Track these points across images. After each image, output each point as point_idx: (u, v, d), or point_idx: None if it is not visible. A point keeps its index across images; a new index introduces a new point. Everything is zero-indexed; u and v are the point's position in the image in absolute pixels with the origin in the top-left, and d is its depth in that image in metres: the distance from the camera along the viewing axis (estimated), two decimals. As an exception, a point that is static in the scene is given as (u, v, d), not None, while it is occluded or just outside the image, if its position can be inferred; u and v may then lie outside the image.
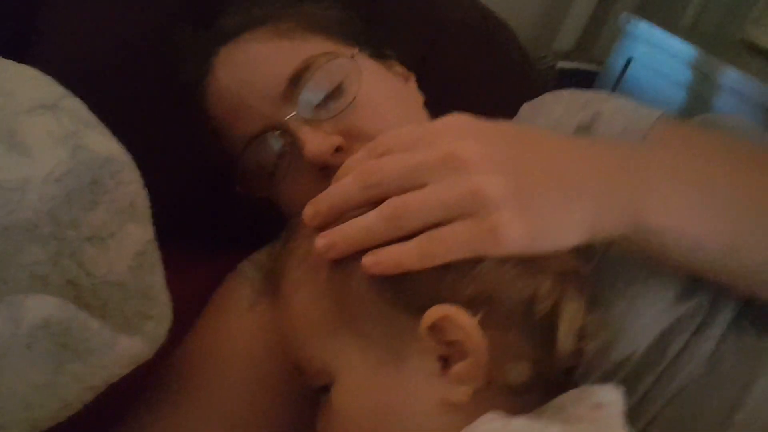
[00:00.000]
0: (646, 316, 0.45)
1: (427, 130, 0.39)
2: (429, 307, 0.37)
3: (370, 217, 0.37)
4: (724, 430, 0.41)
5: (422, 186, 0.36)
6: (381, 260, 0.36)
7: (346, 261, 0.39)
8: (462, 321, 0.36)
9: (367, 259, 0.37)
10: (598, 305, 0.42)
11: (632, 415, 0.41)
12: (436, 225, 0.36)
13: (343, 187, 0.39)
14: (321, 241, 0.38)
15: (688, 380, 0.44)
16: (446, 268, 0.37)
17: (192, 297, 0.56)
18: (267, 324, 0.50)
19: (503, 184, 0.35)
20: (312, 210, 0.40)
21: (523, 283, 0.38)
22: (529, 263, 0.38)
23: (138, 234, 0.41)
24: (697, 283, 0.46)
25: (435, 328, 0.37)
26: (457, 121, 0.39)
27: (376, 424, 0.38)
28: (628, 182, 0.39)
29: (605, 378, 0.44)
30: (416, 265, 0.36)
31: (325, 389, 0.41)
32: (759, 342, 0.44)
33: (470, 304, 0.37)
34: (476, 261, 0.37)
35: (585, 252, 0.43)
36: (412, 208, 0.36)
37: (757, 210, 0.42)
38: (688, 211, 0.40)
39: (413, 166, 0.37)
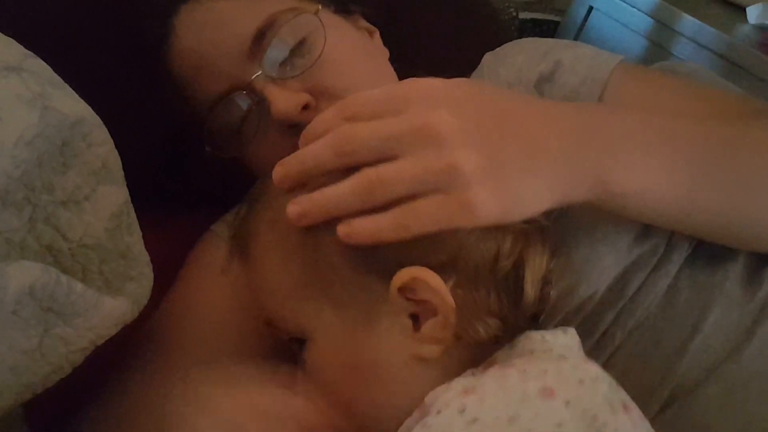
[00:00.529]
0: (605, 259, 0.47)
1: (398, 94, 0.39)
2: (397, 268, 0.38)
3: (344, 188, 0.37)
4: (679, 357, 0.44)
5: (396, 156, 0.37)
6: (355, 231, 0.37)
7: (318, 227, 0.40)
8: (431, 282, 0.38)
9: (342, 229, 0.37)
10: (560, 252, 0.44)
11: (595, 349, 0.44)
12: (409, 197, 0.37)
13: (315, 151, 0.39)
14: (293, 208, 0.38)
15: (646, 315, 0.46)
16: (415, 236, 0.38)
17: (166, 259, 0.57)
18: (240, 284, 0.51)
19: (477, 158, 0.36)
20: (282, 171, 0.40)
21: (487, 243, 0.39)
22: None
23: (113, 195, 0.41)
24: (654, 226, 0.48)
25: (405, 289, 0.38)
26: (428, 86, 0.39)
27: (350, 379, 0.40)
28: (593, 151, 0.40)
29: (568, 318, 0.46)
30: (391, 237, 0.37)
31: (299, 344, 0.43)
32: (712, 277, 0.47)
33: (439, 267, 0.38)
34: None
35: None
36: (386, 181, 0.36)
37: (713, 163, 0.44)
38: (650, 175, 0.41)
39: (387, 136, 0.37)
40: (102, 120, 0.41)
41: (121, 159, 0.43)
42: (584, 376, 0.34)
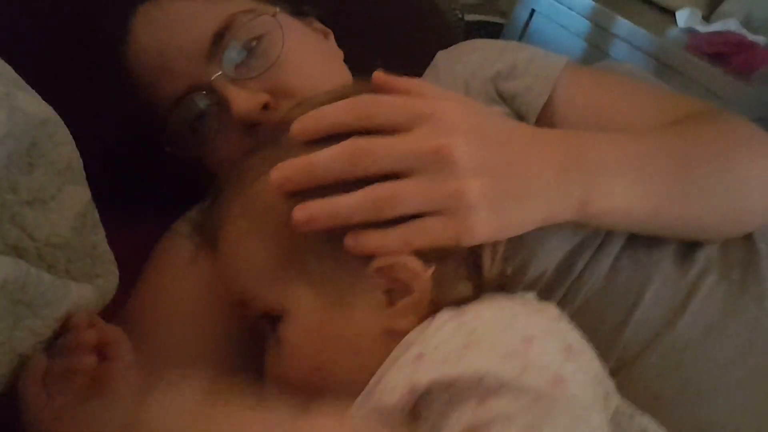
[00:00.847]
0: (552, 240, 0.51)
1: (416, 109, 0.41)
2: None
3: (356, 200, 0.39)
4: (622, 330, 0.48)
5: (408, 172, 0.39)
6: (361, 244, 0.39)
7: None
8: (410, 265, 0.40)
9: (350, 242, 0.39)
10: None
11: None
12: (417, 213, 0.39)
13: (327, 158, 0.39)
14: (300, 213, 0.39)
15: (591, 292, 0.50)
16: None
17: (127, 259, 0.57)
18: (208, 274, 0.52)
19: (481, 186, 0.40)
20: (287, 173, 0.40)
21: None
22: None
23: (78, 195, 0.41)
24: None
25: (382, 269, 0.40)
26: (446, 108, 0.42)
27: (326, 354, 0.42)
28: (577, 176, 0.44)
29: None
30: (395, 251, 0.40)
31: (271, 323, 0.44)
32: (649, 257, 0.51)
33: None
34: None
35: None
36: (398, 198, 0.39)
37: (676, 177, 0.49)
38: (623, 194, 0.46)
39: (404, 154, 0.39)
40: (63, 120, 0.41)
41: (83, 159, 0.43)
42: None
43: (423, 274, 0.40)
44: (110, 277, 0.43)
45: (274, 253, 0.42)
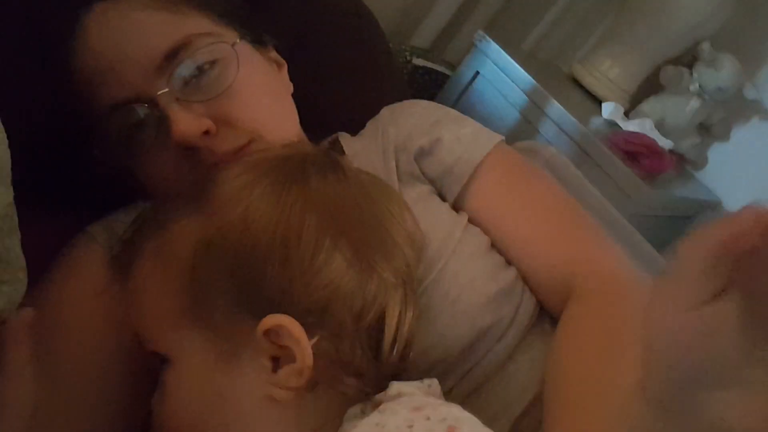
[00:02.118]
0: (462, 327, 0.53)
1: None
2: (267, 312, 0.41)
3: None
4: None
5: None
6: None
7: (208, 261, 0.42)
8: (293, 331, 0.41)
9: None
10: (424, 317, 0.50)
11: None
12: None
13: None
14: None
15: (484, 380, 0.53)
16: (291, 280, 0.41)
17: (34, 256, 0.55)
18: (114, 302, 0.51)
19: None
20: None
21: (354, 300, 0.43)
22: (364, 275, 0.44)
23: (1, 197, 0.39)
24: (504, 301, 0.56)
25: (270, 333, 0.41)
26: None
27: (203, 408, 0.42)
28: None
29: (420, 375, 0.52)
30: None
31: (161, 361, 0.44)
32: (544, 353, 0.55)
33: (307, 319, 0.42)
34: (317, 272, 0.42)
35: (427, 266, 0.51)
36: None
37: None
38: None
39: None
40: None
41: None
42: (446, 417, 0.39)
43: (305, 343, 0.41)
44: (18, 285, 0.41)
45: (176, 299, 0.43)
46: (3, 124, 0.42)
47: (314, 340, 0.41)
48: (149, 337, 0.45)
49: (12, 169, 0.43)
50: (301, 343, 0.41)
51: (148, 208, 0.48)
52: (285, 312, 0.41)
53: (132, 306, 0.46)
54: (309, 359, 0.41)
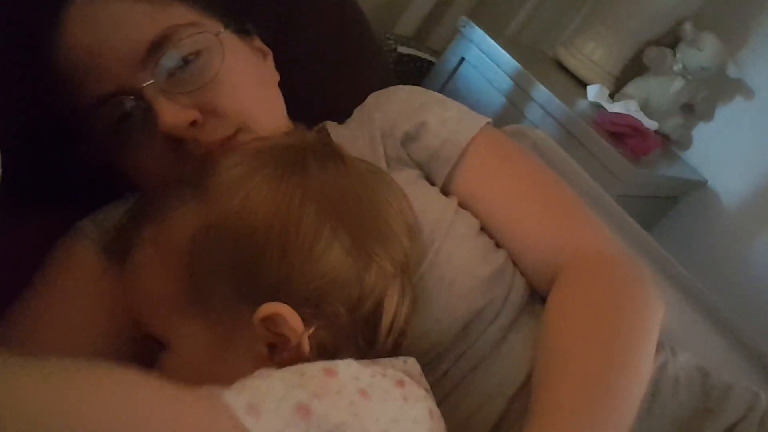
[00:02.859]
0: (459, 311, 0.53)
1: None
2: (267, 301, 0.41)
3: None
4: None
5: None
6: None
7: (207, 249, 0.42)
8: (290, 320, 0.41)
9: None
10: (420, 304, 0.50)
11: (435, 388, 0.51)
12: None
13: None
14: None
15: (479, 361, 0.54)
16: (290, 269, 0.42)
17: (22, 254, 0.54)
18: (110, 288, 0.51)
19: None
20: None
21: (351, 288, 0.44)
22: (362, 265, 0.44)
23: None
24: (496, 282, 0.56)
25: (267, 321, 0.41)
26: None
27: None
28: None
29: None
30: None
31: (157, 346, 0.44)
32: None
33: (303, 303, 0.42)
34: (315, 261, 0.42)
35: (418, 253, 0.51)
36: None
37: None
38: None
39: None
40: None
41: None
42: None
43: (301, 332, 0.41)
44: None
45: (174, 286, 0.43)
46: None
47: (311, 330, 0.42)
48: (146, 322, 0.45)
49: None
50: (298, 332, 0.41)
51: (144, 196, 0.48)
52: (283, 300, 0.42)
53: (129, 291, 0.46)
54: (305, 348, 0.41)
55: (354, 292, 0.44)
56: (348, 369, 0.38)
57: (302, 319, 0.42)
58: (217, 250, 0.43)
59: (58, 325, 0.51)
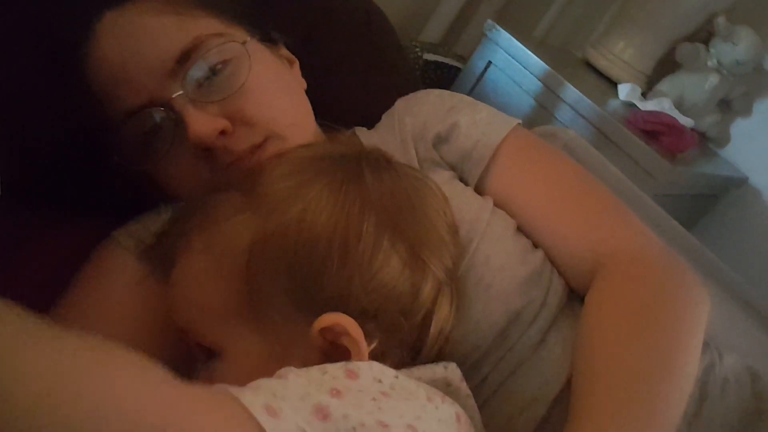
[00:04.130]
0: (496, 314, 0.52)
1: None
2: (324, 311, 0.41)
3: None
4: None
5: None
6: None
7: (264, 260, 0.42)
8: (351, 330, 0.41)
9: None
10: (460, 306, 0.49)
11: (475, 392, 0.50)
12: None
13: None
14: None
15: (518, 364, 0.52)
16: (350, 280, 0.41)
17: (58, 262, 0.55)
18: (153, 298, 0.51)
19: None
20: None
21: (408, 297, 0.44)
22: (419, 275, 0.44)
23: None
24: (534, 284, 0.55)
25: (326, 331, 0.41)
26: None
27: None
28: None
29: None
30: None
31: (206, 354, 0.44)
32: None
33: (362, 314, 0.42)
34: (376, 272, 0.42)
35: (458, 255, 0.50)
36: None
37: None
38: None
39: None
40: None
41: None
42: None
43: (362, 342, 0.41)
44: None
45: (230, 295, 0.43)
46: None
47: (374, 345, 0.42)
48: (198, 331, 0.45)
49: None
50: (359, 341, 0.41)
51: (187, 204, 0.48)
52: (341, 311, 0.42)
53: (176, 299, 0.46)
54: (365, 357, 0.41)
55: (409, 302, 0.44)
56: (370, 370, 0.37)
57: (363, 330, 0.42)
58: (275, 260, 0.42)
59: (96, 328, 0.52)
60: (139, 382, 0.29)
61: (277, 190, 0.45)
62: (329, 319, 0.41)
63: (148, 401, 0.29)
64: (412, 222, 0.46)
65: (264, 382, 0.35)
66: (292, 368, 0.36)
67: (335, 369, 0.37)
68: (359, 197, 0.45)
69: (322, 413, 0.33)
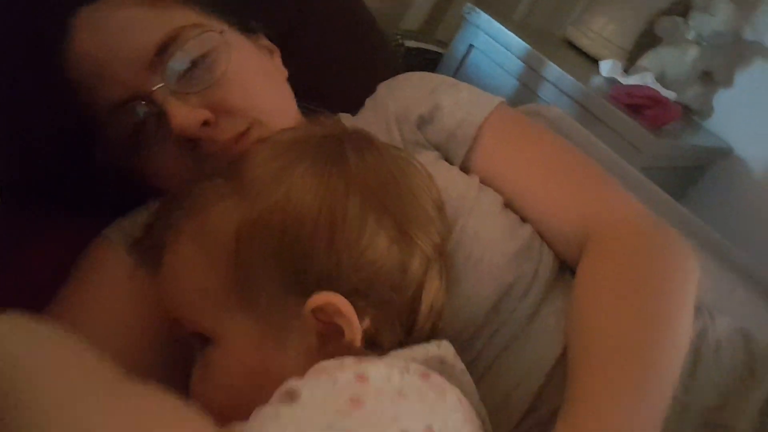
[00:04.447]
0: (488, 289, 0.53)
1: None
2: (314, 292, 0.41)
3: None
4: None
5: None
6: None
7: (251, 245, 0.42)
8: (343, 308, 0.41)
9: None
10: (451, 283, 0.49)
11: (469, 368, 0.50)
12: None
13: None
14: None
15: (512, 338, 0.53)
16: (339, 259, 0.42)
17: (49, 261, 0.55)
18: (145, 290, 0.51)
19: None
20: None
21: (397, 273, 0.44)
22: (406, 251, 0.44)
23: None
24: (524, 258, 0.55)
25: (318, 311, 0.41)
26: None
27: (251, 384, 0.42)
28: None
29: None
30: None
31: (201, 342, 0.44)
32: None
33: (353, 293, 0.42)
34: (363, 250, 0.42)
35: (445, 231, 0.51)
36: None
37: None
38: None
39: None
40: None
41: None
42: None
43: (354, 319, 0.41)
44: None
45: (221, 281, 0.43)
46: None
47: (366, 323, 0.42)
48: (191, 318, 0.45)
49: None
50: (351, 319, 0.41)
51: (171, 194, 0.48)
52: (332, 291, 0.42)
53: (168, 288, 0.46)
54: (358, 335, 0.41)
55: (398, 278, 0.44)
56: (378, 372, 0.37)
57: (354, 308, 0.42)
58: (263, 243, 0.42)
59: (91, 323, 0.52)
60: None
61: (261, 174, 0.45)
62: (320, 298, 0.41)
63: None
64: (397, 199, 0.46)
65: (284, 411, 0.34)
66: (304, 383, 0.36)
67: (346, 377, 0.36)
68: (343, 177, 0.45)
69: None
